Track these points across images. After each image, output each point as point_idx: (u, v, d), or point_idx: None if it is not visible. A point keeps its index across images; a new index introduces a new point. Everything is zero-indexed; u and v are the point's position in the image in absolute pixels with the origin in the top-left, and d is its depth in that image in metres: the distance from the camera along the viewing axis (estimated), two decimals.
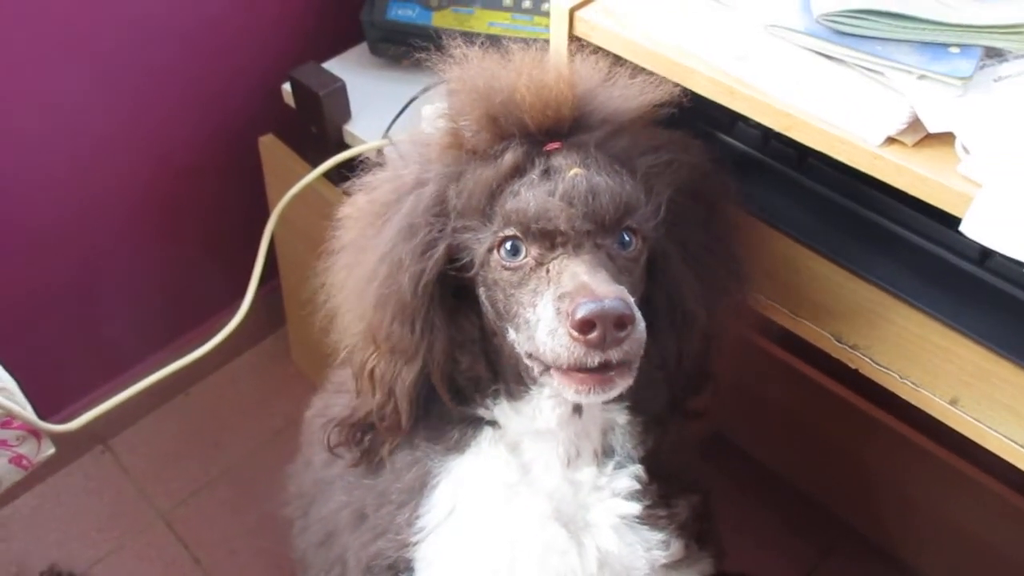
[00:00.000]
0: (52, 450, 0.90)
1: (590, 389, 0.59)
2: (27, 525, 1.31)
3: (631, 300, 0.58)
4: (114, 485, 1.35)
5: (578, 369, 0.58)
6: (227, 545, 1.29)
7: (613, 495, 0.70)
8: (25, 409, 0.86)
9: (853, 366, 0.72)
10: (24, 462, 0.88)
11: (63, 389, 1.29)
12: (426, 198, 0.65)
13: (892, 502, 1.23)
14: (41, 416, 0.89)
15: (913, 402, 0.70)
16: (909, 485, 1.19)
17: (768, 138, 0.78)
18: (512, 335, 0.64)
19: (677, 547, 0.72)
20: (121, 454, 1.39)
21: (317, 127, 1.14)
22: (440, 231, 0.65)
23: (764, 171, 0.79)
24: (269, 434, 1.40)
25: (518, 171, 0.63)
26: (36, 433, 0.88)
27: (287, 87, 1.17)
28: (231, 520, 1.30)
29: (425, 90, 1.05)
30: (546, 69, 0.64)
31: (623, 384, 0.60)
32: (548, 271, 0.61)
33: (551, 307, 0.59)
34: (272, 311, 1.44)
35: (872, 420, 1.17)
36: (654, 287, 0.68)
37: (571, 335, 0.57)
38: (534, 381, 0.67)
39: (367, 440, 0.73)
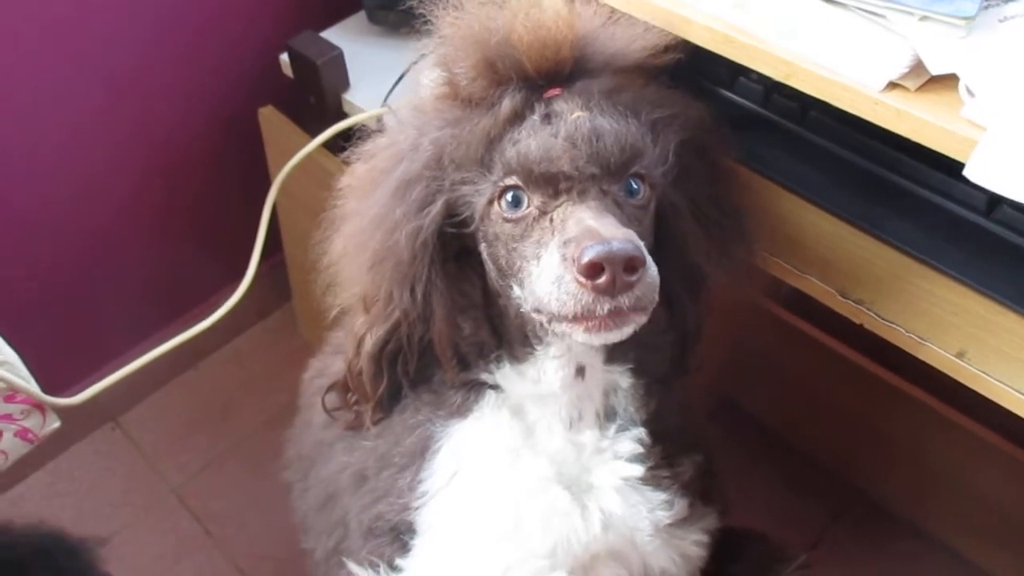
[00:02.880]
0: (57, 423, 0.90)
1: (600, 326, 0.56)
2: (41, 502, 1.32)
3: (641, 243, 0.56)
4: (125, 461, 1.37)
5: (586, 317, 0.56)
6: (238, 517, 1.30)
7: (616, 457, 0.70)
8: (29, 383, 0.86)
9: (858, 321, 0.71)
10: (30, 435, 0.88)
11: (72, 367, 1.30)
12: (422, 155, 0.63)
13: (902, 466, 1.23)
14: (49, 392, 0.90)
15: (919, 356, 0.69)
16: (920, 449, 1.19)
17: (770, 93, 0.77)
18: (516, 292, 0.62)
19: (681, 506, 0.71)
20: (131, 430, 1.40)
21: (316, 97, 1.13)
22: (438, 186, 0.63)
23: (766, 127, 0.78)
24: (278, 407, 1.40)
25: (517, 117, 0.61)
26: (40, 407, 0.88)
27: (285, 57, 1.16)
28: (242, 492, 1.31)
29: (424, 56, 1.04)
30: (544, 9, 0.62)
31: (637, 321, 0.57)
32: (552, 220, 0.59)
33: (556, 254, 0.56)
34: (278, 285, 1.44)
35: (883, 384, 1.17)
36: (663, 245, 0.66)
37: (578, 281, 0.54)
38: (540, 341, 0.65)
39: (354, 404, 0.73)
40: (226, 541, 1.28)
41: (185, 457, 1.36)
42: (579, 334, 0.58)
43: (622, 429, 0.70)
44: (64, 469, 1.35)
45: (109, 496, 1.33)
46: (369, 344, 0.68)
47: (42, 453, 1.24)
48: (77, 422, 1.27)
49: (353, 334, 0.69)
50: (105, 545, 0.80)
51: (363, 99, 1.11)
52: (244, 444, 1.38)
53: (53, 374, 1.00)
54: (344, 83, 1.13)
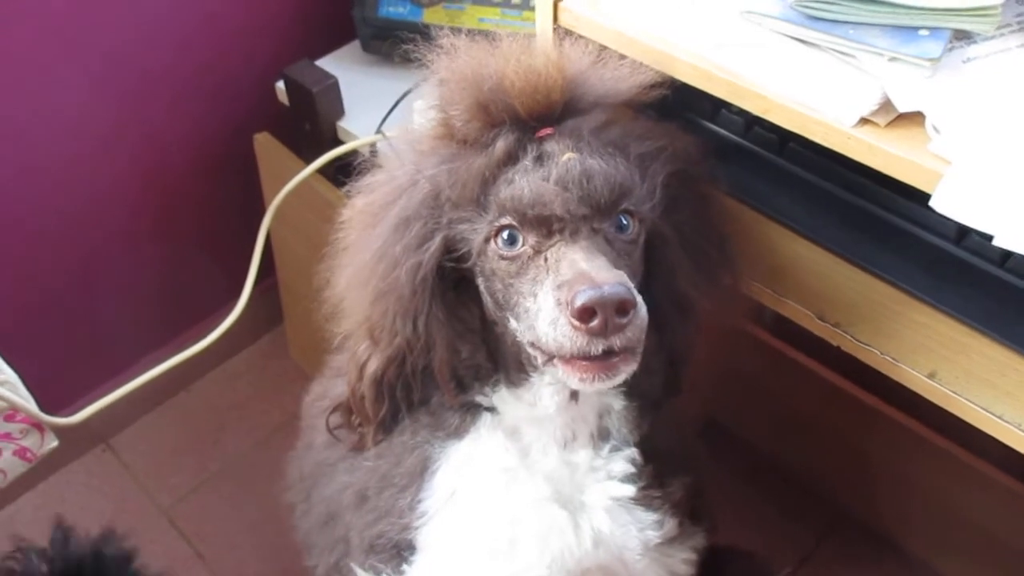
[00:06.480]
0: (55, 443, 0.92)
1: (594, 377, 0.59)
2: (30, 523, 1.32)
3: (631, 285, 0.58)
4: (116, 483, 1.37)
5: (581, 357, 0.58)
6: (228, 539, 1.30)
7: (609, 477, 0.72)
8: (28, 402, 0.88)
9: (835, 343, 0.74)
10: (28, 455, 0.90)
11: (65, 388, 1.30)
12: (420, 193, 0.65)
13: (888, 487, 1.25)
14: (44, 411, 0.91)
15: (893, 377, 0.71)
16: (905, 471, 1.20)
17: (750, 125, 0.80)
18: (513, 324, 0.64)
19: (671, 526, 0.73)
20: (122, 452, 1.40)
21: (311, 124, 1.15)
22: (436, 223, 0.64)
23: (747, 157, 0.81)
24: (268, 430, 1.41)
25: (511, 158, 0.63)
26: (39, 426, 0.89)
27: (281, 85, 1.19)
28: (232, 515, 1.32)
29: (417, 85, 1.07)
30: (535, 54, 0.64)
31: (627, 370, 0.60)
32: (546, 259, 0.61)
33: (551, 297, 0.58)
34: (270, 308, 1.46)
35: (869, 407, 1.18)
36: (652, 272, 0.68)
37: (572, 324, 0.56)
38: (535, 369, 0.67)
39: (357, 425, 0.74)
40: (217, 563, 1.28)
41: (176, 479, 1.37)
42: (574, 382, 0.61)
43: (615, 449, 0.72)
44: (54, 491, 1.35)
45: (99, 518, 1.30)
46: (371, 370, 0.69)
47: (33, 474, 1.24)
48: (68, 444, 1.27)
49: (356, 360, 0.70)
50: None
51: (357, 126, 1.14)
52: (235, 466, 1.38)
53: (46, 395, 1.01)
54: (339, 111, 1.16)
